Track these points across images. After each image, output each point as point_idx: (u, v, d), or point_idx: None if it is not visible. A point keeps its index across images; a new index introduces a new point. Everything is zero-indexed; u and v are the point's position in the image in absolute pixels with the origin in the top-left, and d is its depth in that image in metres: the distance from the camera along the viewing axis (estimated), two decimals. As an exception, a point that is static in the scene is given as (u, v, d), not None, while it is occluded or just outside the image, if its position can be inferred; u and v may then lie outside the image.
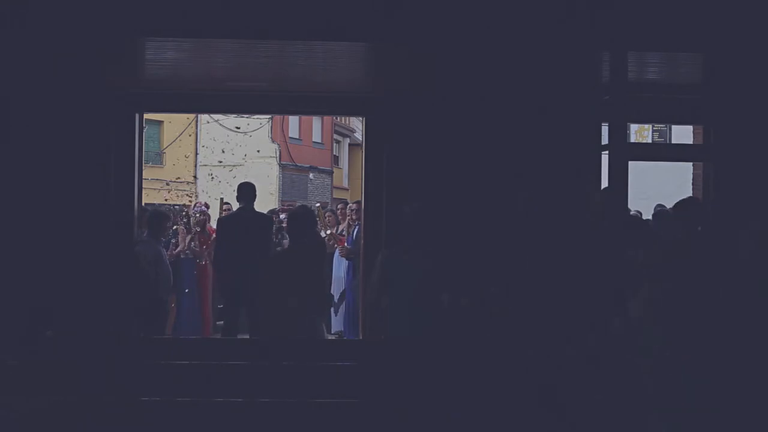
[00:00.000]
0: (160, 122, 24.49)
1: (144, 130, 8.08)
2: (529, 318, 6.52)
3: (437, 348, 6.35)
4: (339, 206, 12.25)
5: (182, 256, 10.08)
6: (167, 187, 22.65)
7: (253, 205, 8.89)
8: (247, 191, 8.79)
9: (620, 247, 6.03)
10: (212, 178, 23.48)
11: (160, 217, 8.97)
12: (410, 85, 7.60)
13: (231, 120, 24.63)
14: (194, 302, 10.27)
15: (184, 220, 10.69)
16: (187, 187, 25.06)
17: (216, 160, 24.45)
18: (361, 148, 8.37)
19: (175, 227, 10.33)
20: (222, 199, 12.06)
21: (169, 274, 8.86)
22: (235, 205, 10.36)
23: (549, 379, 6.16)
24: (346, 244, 10.72)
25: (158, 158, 24.89)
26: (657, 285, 5.73)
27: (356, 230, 10.56)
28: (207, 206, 11.57)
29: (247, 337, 8.84)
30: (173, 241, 10.23)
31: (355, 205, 11.15)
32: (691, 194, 12.07)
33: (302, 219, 7.31)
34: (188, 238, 10.24)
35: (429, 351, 6.34)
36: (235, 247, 8.69)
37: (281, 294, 6.91)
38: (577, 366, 6.11)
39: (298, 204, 15.44)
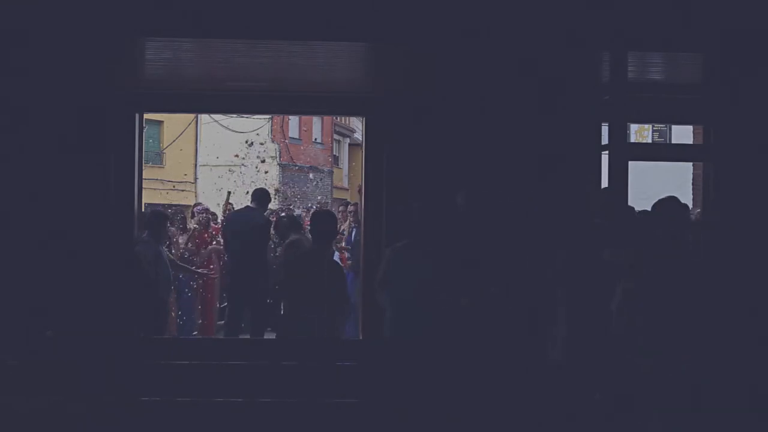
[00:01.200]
0: (160, 122, 24.49)
1: (144, 130, 8.08)
2: (529, 318, 6.52)
3: (437, 348, 6.35)
4: (340, 207, 12.25)
5: (180, 262, 10.10)
6: (167, 188, 22.67)
7: (262, 206, 9.50)
8: (259, 195, 9.65)
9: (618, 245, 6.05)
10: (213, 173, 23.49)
11: (161, 217, 9.01)
12: (410, 85, 7.60)
13: (231, 120, 24.62)
14: (191, 301, 10.31)
15: (178, 218, 10.70)
16: (187, 187, 25.07)
17: (216, 160, 24.45)
18: (361, 148, 8.37)
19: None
20: (230, 192, 12.10)
21: (169, 274, 8.89)
22: (238, 206, 10.55)
23: (551, 378, 6.16)
24: (344, 244, 10.73)
25: (158, 158, 24.89)
26: (628, 284, 5.74)
27: (354, 232, 10.58)
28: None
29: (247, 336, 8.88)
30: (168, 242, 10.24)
31: (353, 206, 11.16)
32: (691, 194, 12.10)
33: (325, 221, 7.28)
34: (183, 238, 10.24)
35: (429, 351, 6.34)
36: (236, 243, 9.00)
37: (304, 295, 6.85)
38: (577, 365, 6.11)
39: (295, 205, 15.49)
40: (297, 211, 13.56)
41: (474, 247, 6.70)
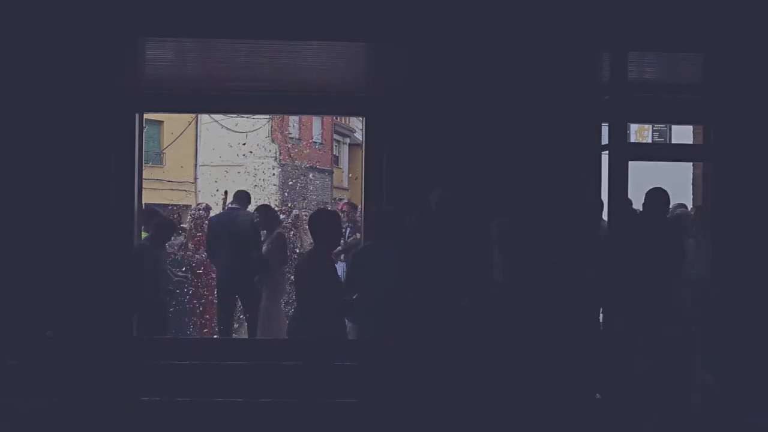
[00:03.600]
0: (160, 122, 24.47)
1: (144, 130, 8.08)
2: (529, 318, 6.52)
3: (437, 348, 6.34)
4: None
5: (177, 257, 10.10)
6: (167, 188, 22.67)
7: (243, 206, 9.51)
8: (240, 197, 9.58)
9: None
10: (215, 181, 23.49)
11: (169, 226, 9.02)
12: (410, 85, 7.60)
13: (231, 120, 24.61)
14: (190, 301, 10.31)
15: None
16: (187, 187, 25.06)
17: (216, 160, 24.44)
18: (361, 148, 8.37)
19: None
20: (226, 192, 12.09)
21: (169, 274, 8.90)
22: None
23: (549, 378, 6.17)
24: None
25: (158, 158, 24.88)
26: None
27: (348, 231, 10.60)
28: (209, 208, 11.59)
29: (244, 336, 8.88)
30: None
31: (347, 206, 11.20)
32: (690, 194, 12.09)
33: (328, 221, 7.20)
34: (178, 240, 10.25)
35: (429, 351, 6.34)
36: (224, 244, 8.98)
37: (311, 296, 6.83)
38: (576, 365, 6.12)
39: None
40: (295, 211, 13.51)
41: (472, 247, 6.70)
